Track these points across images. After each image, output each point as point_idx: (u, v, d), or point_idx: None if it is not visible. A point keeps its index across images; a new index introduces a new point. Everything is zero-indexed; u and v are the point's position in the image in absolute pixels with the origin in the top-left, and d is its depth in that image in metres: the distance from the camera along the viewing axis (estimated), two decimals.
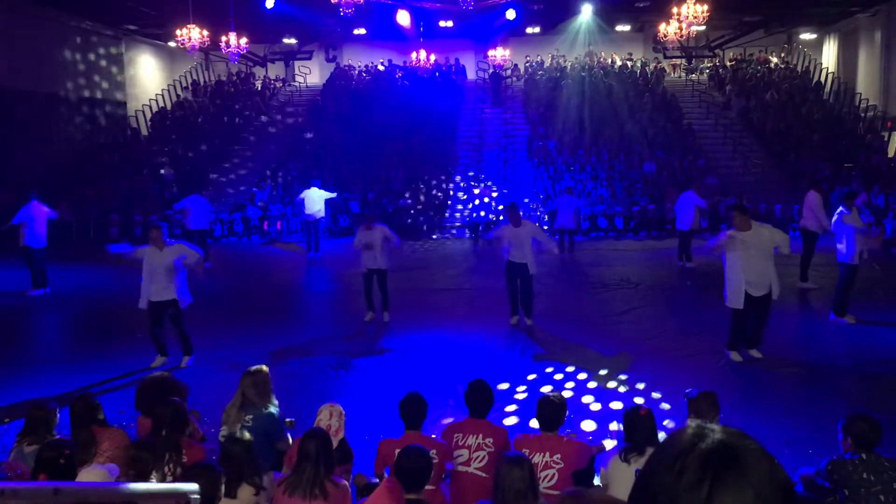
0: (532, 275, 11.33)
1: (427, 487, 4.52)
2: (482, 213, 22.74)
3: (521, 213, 11.70)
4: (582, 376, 8.82)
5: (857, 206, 21.54)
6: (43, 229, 14.83)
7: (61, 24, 26.40)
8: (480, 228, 21.89)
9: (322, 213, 19.19)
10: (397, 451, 4.92)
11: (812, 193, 14.02)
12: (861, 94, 28.17)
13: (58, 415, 5.74)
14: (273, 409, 5.95)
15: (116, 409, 7.58)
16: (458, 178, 26.24)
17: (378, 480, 5.20)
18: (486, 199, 23.34)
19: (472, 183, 25.52)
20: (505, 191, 24.57)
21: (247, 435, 4.92)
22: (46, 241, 14.89)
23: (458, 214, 24.75)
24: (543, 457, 4.99)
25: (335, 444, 5.33)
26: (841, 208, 11.02)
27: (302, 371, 9.31)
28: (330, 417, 5.46)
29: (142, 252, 9.44)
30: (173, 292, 9.37)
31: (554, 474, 4.94)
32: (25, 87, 24.63)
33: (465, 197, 25.08)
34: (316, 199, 18.93)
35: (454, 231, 23.81)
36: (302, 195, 19.22)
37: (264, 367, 6.19)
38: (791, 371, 9.05)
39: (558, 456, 4.99)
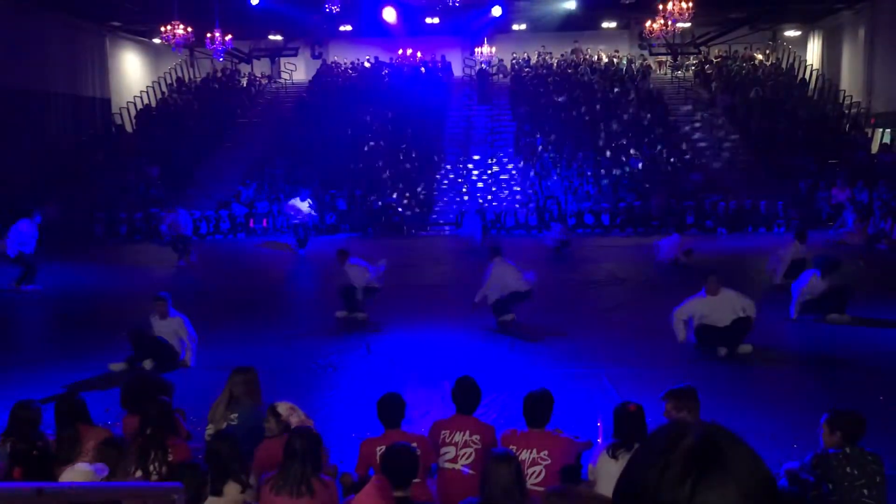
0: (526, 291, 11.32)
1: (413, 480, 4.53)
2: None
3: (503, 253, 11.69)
4: (569, 372, 8.84)
5: (842, 202, 21.80)
6: (33, 239, 14.97)
7: (44, 21, 26.16)
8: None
9: (311, 212, 19.37)
10: (379, 449, 4.92)
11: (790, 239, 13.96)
12: (845, 90, 28.33)
13: (42, 413, 5.71)
14: (259, 408, 5.94)
15: (101, 407, 7.53)
16: (448, 170, 26.25)
17: (358, 479, 5.20)
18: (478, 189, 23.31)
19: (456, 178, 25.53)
20: (482, 189, 24.59)
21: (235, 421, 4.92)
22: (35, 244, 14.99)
23: (452, 213, 24.74)
24: (531, 453, 5.00)
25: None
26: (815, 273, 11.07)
27: (288, 369, 9.27)
28: (299, 417, 5.48)
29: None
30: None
31: (541, 471, 4.95)
32: (7, 84, 24.40)
33: (447, 201, 25.04)
34: (302, 206, 19.34)
35: (445, 228, 23.80)
36: (291, 202, 19.68)
37: (252, 367, 6.19)
38: (775, 366, 9.10)
39: (545, 452, 4.99)
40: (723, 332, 9.38)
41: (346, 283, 11.83)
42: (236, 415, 5.71)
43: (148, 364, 9.41)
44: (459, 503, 4.18)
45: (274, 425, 5.35)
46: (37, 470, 4.64)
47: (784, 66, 32.59)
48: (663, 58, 33.92)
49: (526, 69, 33.34)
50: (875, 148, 26.05)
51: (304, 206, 19.35)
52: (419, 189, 25.23)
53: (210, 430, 5.82)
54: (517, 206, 24.01)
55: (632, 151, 26.08)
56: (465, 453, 5.21)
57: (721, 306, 9.45)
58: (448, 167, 26.82)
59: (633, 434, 4.78)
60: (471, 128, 29.18)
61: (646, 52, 33.44)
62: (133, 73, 33.38)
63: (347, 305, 11.79)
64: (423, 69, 33.25)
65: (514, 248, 19.17)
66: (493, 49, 32.17)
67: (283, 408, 5.51)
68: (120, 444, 4.78)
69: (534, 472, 4.93)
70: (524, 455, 4.96)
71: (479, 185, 25.52)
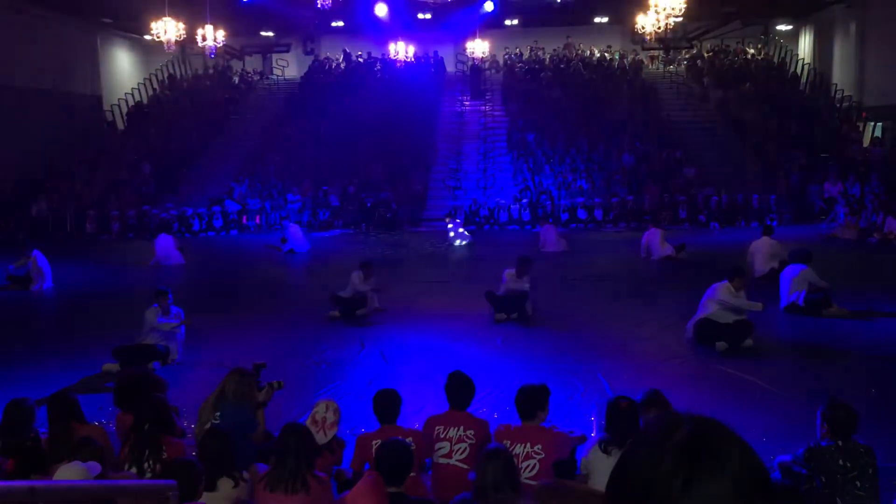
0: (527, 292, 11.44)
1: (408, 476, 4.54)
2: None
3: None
4: (564, 367, 8.85)
5: (834, 196, 21.89)
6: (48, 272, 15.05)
7: (35, 18, 26.04)
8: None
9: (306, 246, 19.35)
10: (374, 444, 4.93)
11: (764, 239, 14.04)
12: (837, 84, 28.40)
13: (36, 412, 5.69)
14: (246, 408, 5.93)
15: (94, 405, 7.51)
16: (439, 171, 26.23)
17: (353, 475, 5.21)
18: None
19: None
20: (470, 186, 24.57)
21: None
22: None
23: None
24: (524, 447, 5.01)
25: (328, 437, 5.34)
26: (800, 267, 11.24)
27: (283, 367, 9.24)
28: (326, 410, 5.47)
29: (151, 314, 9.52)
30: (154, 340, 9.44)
31: (535, 465, 4.96)
32: None
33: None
34: (299, 234, 19.45)
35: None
36: (293, 226, 19.88)
37: (252, 373, 6.18)
38: (769, 360, 9.13)
39: (539, 447, 5.00)
40: (725, 329, 9.40)
41: (354, 294, 11.83)
42: (219, 413, 5.70)
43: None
44: (454, 498, 4.19)
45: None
46: (30, 462, 4.63)
47: (776, 60, 32.64)
48: (655, 53, 33.94)
49: (518, 64, 33.31)
50: (867, 142, 26.15)
51: (302, 233, 19.57)
52: (412, 185, 25.21)
53: (197, 428, 5.81)
54: (510, 201, 23.97)
55: (624, 146, 26.10)
56: (459, 448, 5.21)
57: (737, 303, 9.54)
58: (441, 163, 26.78)
59: (625, 429, 4.79)
60: (463, 123, 29.15)
61: (638, 47, 33.45)
62: (124, 70, 33.25)
63: (346, 311, 11.78)
64: (415, 64, 33.15)
65: (507, 243, 19.22)
66: (486, 44, 32.13)
67: (322, 404, 5.54)
68: (96, 443, 4.73)
69: (527, 466, 4.94)
70: (518, 449, 4.97)
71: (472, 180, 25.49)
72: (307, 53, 35.99)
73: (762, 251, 13.80)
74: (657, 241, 16.53)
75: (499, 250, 17.45)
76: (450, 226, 20.08)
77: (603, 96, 29.27)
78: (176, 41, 24.65)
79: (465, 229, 20.22)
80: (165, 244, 17.74)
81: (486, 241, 19.77)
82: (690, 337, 9.75)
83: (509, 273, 11.60)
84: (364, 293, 11.83)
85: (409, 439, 4.86)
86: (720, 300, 9.54)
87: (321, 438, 5.27)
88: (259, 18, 30.18)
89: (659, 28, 24.48)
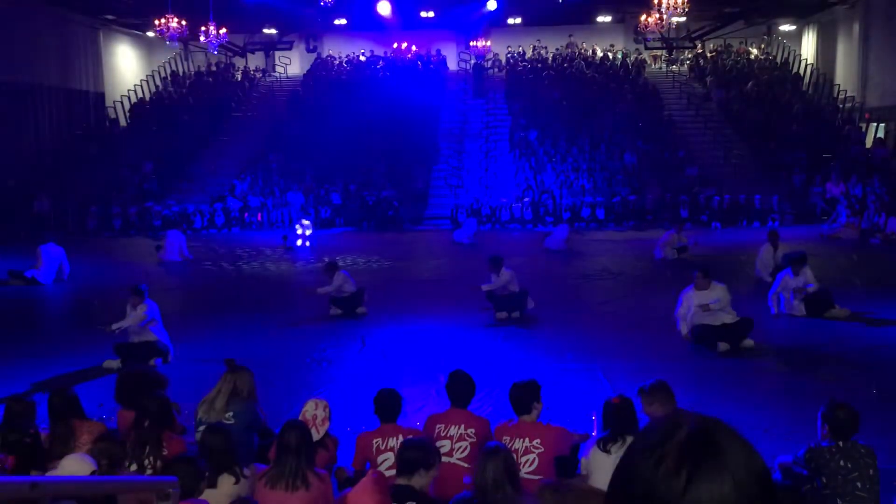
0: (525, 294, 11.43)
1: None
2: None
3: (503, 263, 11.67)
4: (564, 367, 8.85)
5: (836, 197, 21.86)
6: (54, 268, 15.07)
7: (37, 14, 26.05)
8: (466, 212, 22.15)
9: (310, 231, 19.45)
10: (375, 442, 4.94)
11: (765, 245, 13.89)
12: (839, 85, 28.37)
13: (36, 408, 5.69)
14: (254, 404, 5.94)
15: (95, 401, 7.52)
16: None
17: (353, 473, 5.22)
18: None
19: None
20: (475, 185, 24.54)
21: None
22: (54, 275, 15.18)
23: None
24: (523, 442, 5.03)
25: (320, 434, 5.34)
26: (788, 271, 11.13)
27: (282, 363, 9.26)
28: (315, 408, 5.47)
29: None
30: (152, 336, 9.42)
31: (534, 459, 4.97)
32: (1, 77, 24.30)
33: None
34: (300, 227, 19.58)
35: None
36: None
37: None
38: (770, 361, 9.12)
39: (538, 441, 5.02)
40: (724, 329, 9.39)
41: (341, 293, 11.83)
42: (231, 413, 5.70)
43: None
44: (454, 497, 4.19)
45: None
46: (30, 459, 4.64)
47: (779, 60, 32.63)
48: (658, 52, 33.92)
49: (521, 63, 33.29)
50: (869, 142, 26.11)
51: (305, 224, 19.61)
52: (414, 183, 25.20)
53: (203, 429, 5.81)
54: (512, 200, 23.96)
55: (626, 146, 26.08)
56: (460, 447, 5.22)
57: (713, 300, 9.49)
58: (443, 161, 26.77)
59: (623, 426, 4.80)
60: (466, 122, 29.14)
61: (641, 47, 33.43)
62: (127, 66, 33.26)
63: (347, 309, 11.79)
64: (418, 62, 33.18)
65: (509, 242, 19.23)
66: (489, 43, 32.12)
67: (311, 402, 5.52)
68: (117, 438, 4.77)
69: (527, 460, 4.95)
70: (517, 444, 4.99)
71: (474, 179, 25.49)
72: (310, 51, 35.99)
73: (760, 258, 13.70)
74: (660, 243, 16.46)
75: (500, 249, 17.44)
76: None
77: (605, 95, 29.24)
78: (179, 38, 24.66)
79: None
80: (176, 240, 17.76)
81: (489, 239, 19.75)
82: (682, 332, 9.72)
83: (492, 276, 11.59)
84: (360, 290, 11.86)
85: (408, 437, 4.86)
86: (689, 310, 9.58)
87: (314, 436, 5.28)
88: (262, 15, 30.16)
89: (662, 28, 24.48)
